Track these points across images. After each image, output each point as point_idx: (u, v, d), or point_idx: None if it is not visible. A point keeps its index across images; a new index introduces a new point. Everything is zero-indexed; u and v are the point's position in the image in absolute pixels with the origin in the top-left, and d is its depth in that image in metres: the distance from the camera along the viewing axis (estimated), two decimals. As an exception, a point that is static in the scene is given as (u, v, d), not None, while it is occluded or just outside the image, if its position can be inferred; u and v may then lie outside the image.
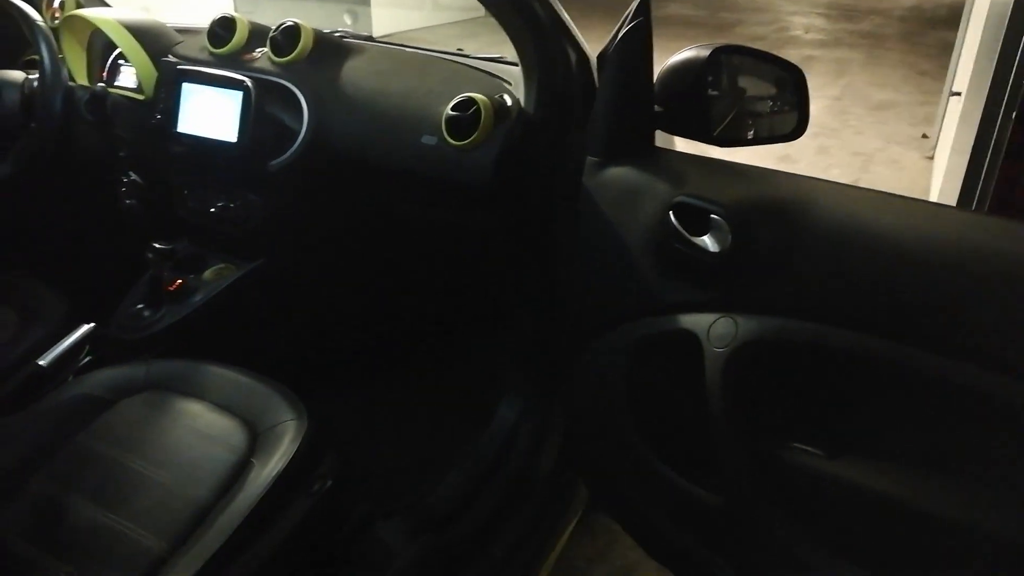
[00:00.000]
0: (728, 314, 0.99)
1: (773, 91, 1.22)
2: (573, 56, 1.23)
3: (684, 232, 1.01)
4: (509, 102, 1.29)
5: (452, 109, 1.25)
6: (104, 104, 1.48)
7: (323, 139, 1.41)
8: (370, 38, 1.67)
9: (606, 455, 1.22)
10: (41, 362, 1.31)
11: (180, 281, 1.50)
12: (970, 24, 3.63)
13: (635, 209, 1.10)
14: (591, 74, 1.25)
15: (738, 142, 1.17)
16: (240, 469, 1.06)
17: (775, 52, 1.16)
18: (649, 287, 1.08)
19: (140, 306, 1.49)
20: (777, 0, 12.68)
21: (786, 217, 0.96)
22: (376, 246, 1.64)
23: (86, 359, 1.40)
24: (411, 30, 7.25)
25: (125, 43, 1.53)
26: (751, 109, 1.23)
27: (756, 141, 1.20)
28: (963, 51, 3.66)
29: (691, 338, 1.02)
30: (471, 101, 1.25)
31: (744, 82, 1.21)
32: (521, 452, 1.43)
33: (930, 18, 10.72)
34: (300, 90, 1.42)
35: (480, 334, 1.70)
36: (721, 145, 1.14)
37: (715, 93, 1.19)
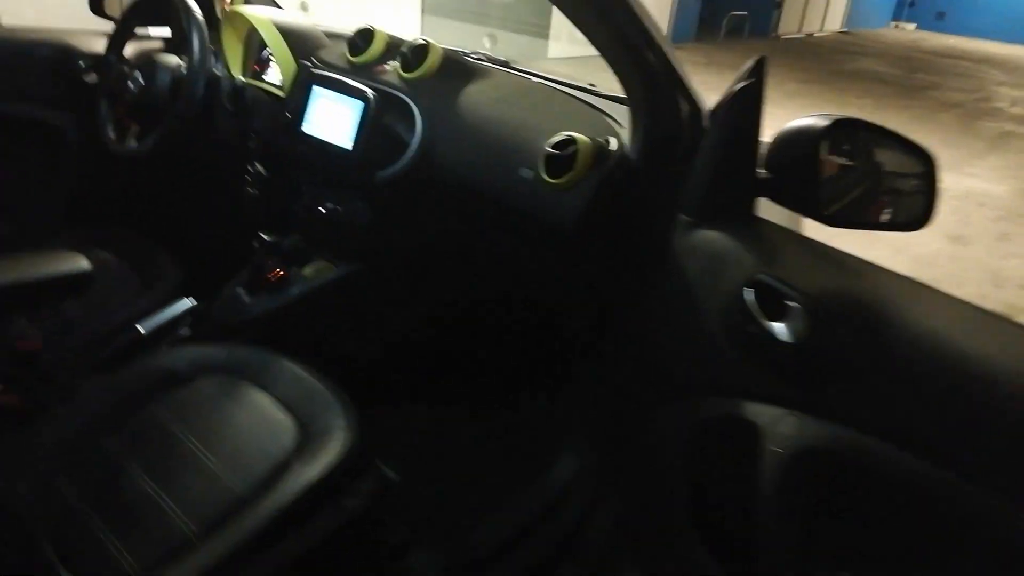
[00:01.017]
0: (794, 412, 0.89)
1: (900, 175, 1.10)
2: (685, 108, 1.17)
3: (758, 314, 0.92)
4: (613, 146, 1.24)
5: (552, 146, 1.23)
6: (243, 96, 1.57)
7: (429, 157, 1.42)
8: (506, 64, 1.68)
9: (656, 539, 1.14)
10: (141, 328, 1.40)
11: (281, 272, 1.56)
12: None
13: (717, 279, 1.02)
14: (700, 129, 1.18)
15: (852, 224, 1.06)
16: (281, 469, 1.08)
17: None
18: (719, 365, 1.00)
19: (241, 290, 1.56)
20: (987, 67, 11.69)
21: (872, 319, 0.85)
22: (462, 269, 1.63)
23: (183, 332, 1.48)
24: (575, 57, 7.39)
25: (273, 42, 1.61)
26: (878, 191, 1.11)
27: (873, 226, 1.09)
28: None
29: (752, 430, 0.93)
30: (571, 140, 1.21)
31: (875, 161, 1.11)
32: (574, 512, 1.36)
33: None
34: (417, 106, 1.45)
35: (552, 380, 1.65)
36: (831, 224, 1.04)
37: (850, 164, 1.10)
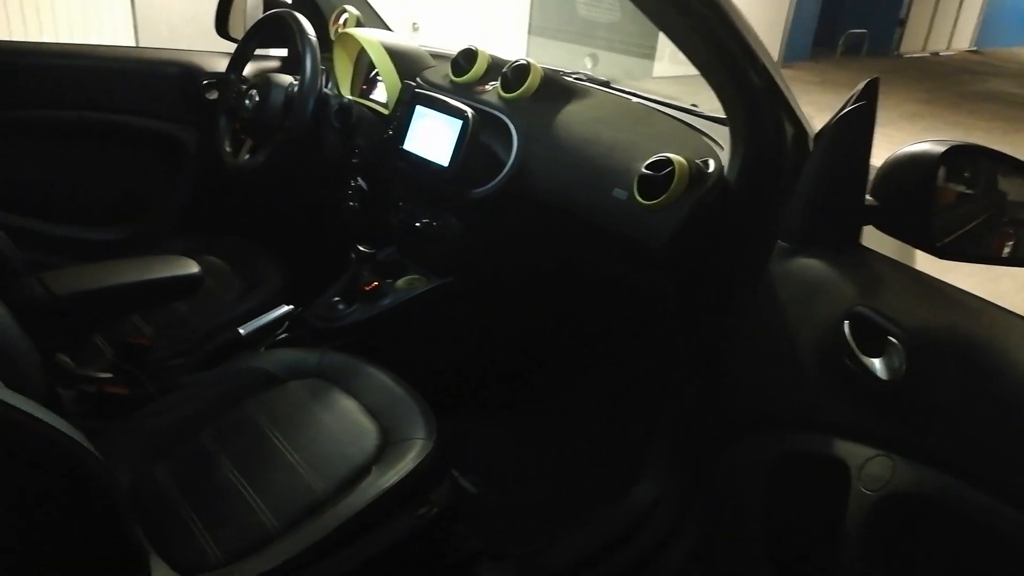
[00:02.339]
0: (887, 453, 0.84)
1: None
2: (790, 130, 1.13)
3: (855, 348, 0.87)
4: (711, 168, 1.21)
5: (646, 167, 1.21)
6: (350, 114, 1.63)
7: (524, 176, 1.43)
8: (607, 84, 1.67)
9: (731, 573, 1.10)
10: (241, 331, 1.47)
11: (375, 284, 1.61)
12: None
13: (813, 309, 0.98)
14: (806, 153, 1.14)
15: (968, 257, 0.99)
16: (360, 473, 1.10)
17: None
18: (808, 398, 0.95)
19: (337, 299, 1.62)
20: None
21: (977, 359, 0.79)
22: (553, 287, 1.63)
23: (281, 335, 1.54)
24: (678, 76, 7.28)
25: (381, 63, 1.67)
26: (999, 221, 1.04)
27: (991, 260, 1.01)
28: None
29: (841, 468, 0.88)
30: (667, 162, 1.19)
31: (998, 190, 1.04)
32: (652, 536, 1.33)
33: None
34: (514, 125, 1.46)
35: (638, 398, 1.62)
36: (944, 257, 0.97)
37: (969, 192, 1.03)
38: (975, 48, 14.75)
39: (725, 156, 1.23)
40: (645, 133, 1.36)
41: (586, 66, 1.80)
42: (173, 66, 1.89)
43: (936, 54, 13.69)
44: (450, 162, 1.47)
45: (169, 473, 1.11)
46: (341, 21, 1.92)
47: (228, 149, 1.74)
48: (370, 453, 1.13)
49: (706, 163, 1.22)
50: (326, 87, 1.72)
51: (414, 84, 1.62)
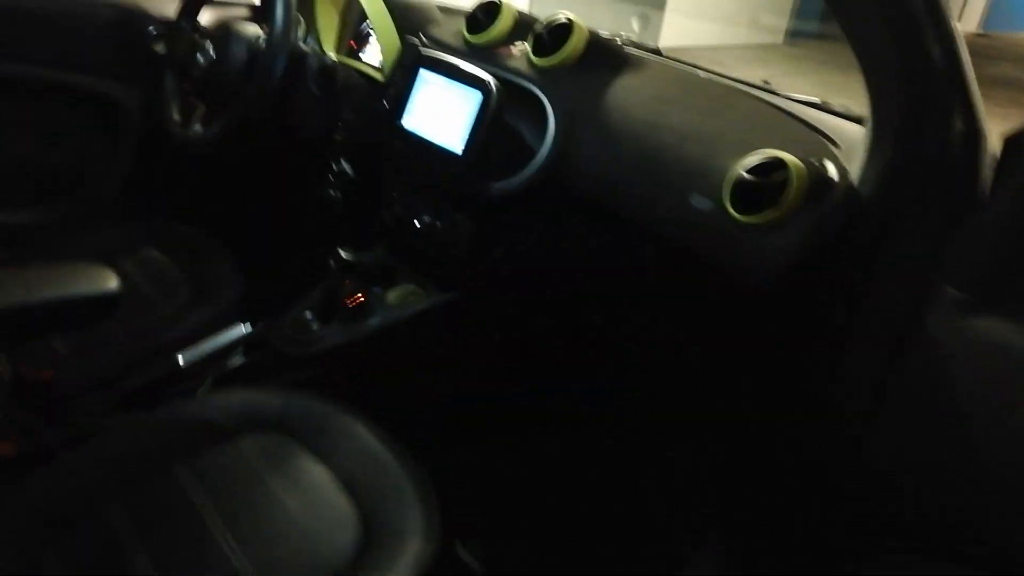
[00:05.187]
0: None
1: None
2: (959, 127, 0.80)
3: None
4: (833, 173, 0.91)
5: (748, 170, 0.89)
6: (333, 79, 1.38)
7: (564, 169, 1.15)
8: (658, 52, 1.40)
9: None
10: (181, 358, 1.22)
11: (360, 297, 1.31)
12: None
13: (1014, 394, 0.72)
14: (980, 161, 0.81)
15: None
16: None
17: None
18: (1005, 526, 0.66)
19: (309, 315, 1.33)
20: None
21: None
22: (592, 317, 1.38)
23: (234, 361, 1.28)
24: (699, 47, 6.80)
25: (375, 14, 1.38)
26: None
27: None
28: None
29: None
30: (778, 162, 0.89)
31: None
32: None
33: None
34: (551, 103, 1.17)
35: (694, 468, 1.35)
36: None
37: None
38: (983, 32, 14.72)
39: (844, 157, 0.92)
40: (730, 120, 1.06)
41: (633, 29, 1.49)
42: (110, 9, 1.59)
43: (944, 37, 13.60)
44: (465, 147, 1.17)
45: (62, 568, 0.83)
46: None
47: (176, 116, 1.48)
48: (347, 551, 0.87)
49: (823, 165, 0.91)
50: (304, 42, 1.46)
51: (418, 43, 1.33)
